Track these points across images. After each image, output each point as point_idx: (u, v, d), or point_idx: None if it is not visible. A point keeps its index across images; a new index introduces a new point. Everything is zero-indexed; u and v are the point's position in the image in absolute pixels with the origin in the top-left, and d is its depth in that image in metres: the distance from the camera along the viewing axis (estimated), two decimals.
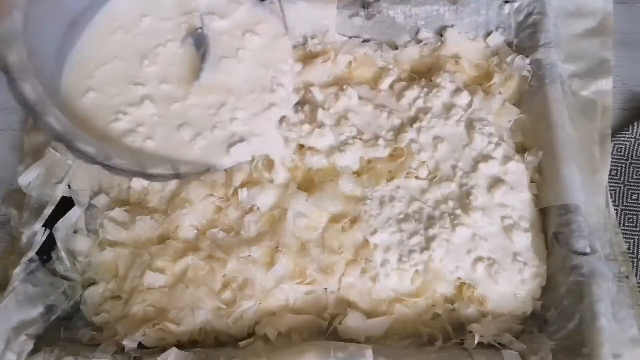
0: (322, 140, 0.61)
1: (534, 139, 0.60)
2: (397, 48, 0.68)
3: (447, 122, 0.62)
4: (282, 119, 0.61)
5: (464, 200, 0.58)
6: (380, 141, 0.61)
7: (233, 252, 0.56)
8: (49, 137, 0.57)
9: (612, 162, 0.60)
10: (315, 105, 0.63)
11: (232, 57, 0.59)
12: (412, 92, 0.63)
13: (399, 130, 0.62)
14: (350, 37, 0.68)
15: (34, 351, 0.50)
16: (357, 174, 0.61)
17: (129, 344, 0.51)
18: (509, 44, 0.66)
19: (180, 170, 0.51)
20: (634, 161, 0.61)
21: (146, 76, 0.56)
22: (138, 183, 0.60)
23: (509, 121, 0.62)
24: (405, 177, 0.59)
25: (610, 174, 0.60)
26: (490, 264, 0.54)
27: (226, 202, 0.59)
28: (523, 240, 0.56)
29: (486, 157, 0.59)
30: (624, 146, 0.61)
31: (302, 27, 0.67)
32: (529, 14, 0.65)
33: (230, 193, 0.59)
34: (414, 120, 0.62)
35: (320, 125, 0.62)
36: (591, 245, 0.52)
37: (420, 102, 0.63)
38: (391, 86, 0.65)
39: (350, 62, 0.66)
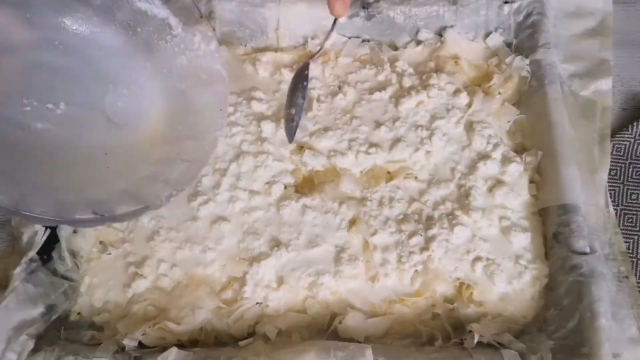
0: (323, 141, 0.61)
1: (533, 139, 0.60)
2: (397, 48, 0.68)
3: (447, 123, 0.62)
4: None
5: (463, 201, 0.58)
6: (381, 142, 0.61)
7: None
8: None
9: (611, 162, 0.60)
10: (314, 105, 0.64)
11: None
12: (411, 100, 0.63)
13: (398, 135, 0.62)
14: (350, 38, 0.68)
15: (35, 351, 0.50)
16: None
17: (129, 343, 0.51)
18: (509, 44, 0.66)
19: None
20: (633, 161, 0.61)
21: None
22: None
23: (509, 121, 0.62)
24: (404, 178, 0.59)
25: (609, 174, 0.60)
26: (489, 265, 0.55)
27: None
28: (522, 241, 0.56)
29: (485, 158, 0.60)
30: (623, 146, 0.61)
31: (302, 28, 0.67)
32: (528, 15, 0.65)
33: None
34: (413, 122, 0.62)
35: (321, 127, 0.62)
36: (591, 245, 0.53)
37: (419, 108, 0.63)
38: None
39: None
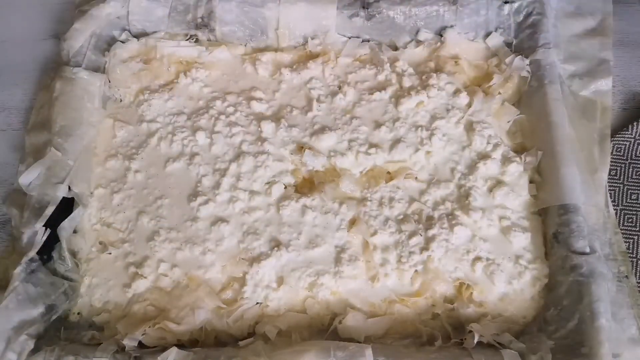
0: (323, 141, 0.61)
1: (533, 139, 0.60)
2: (397, 48, 0.68)
3: (447, 123, 0.62)
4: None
5: (463, 201, 0.58)
6: (381, 143, 0.61)
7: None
8: None
9: (611, 162, 0.60)
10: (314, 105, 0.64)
11: None
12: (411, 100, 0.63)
13: (398, 135, 0.62)
14: (350, 38, 0.68)
15: (35, 351, 0.50)
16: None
17: (129, 343, 0.51)
18: (509, 44, 0.66)
19: None
20: (633, 161, 0.61)
21: None
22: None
23: (509, 121, 0.62)
24: (404, 178, 0.59)
25: (609, 174, 0.60)
26: (489, 265, 0.55)
27: None
28: (522, 241, 0.56)
29: (485, 158, 0.60)
30: (623, 146, 0.61)
31: (303, 27, 0.67)
32: (528, 15, 0.65)
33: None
34: (413, 122, 0.62)
35: (321, 126, 0.62)
36: (591, 245, 0.53)
37: (419, 108, 0.63)
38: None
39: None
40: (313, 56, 0.67)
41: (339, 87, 0.65)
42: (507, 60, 0.64)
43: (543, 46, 0.63)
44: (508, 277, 0.54)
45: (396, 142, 0.61)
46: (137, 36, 0.68)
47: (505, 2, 0.66)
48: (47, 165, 0.57)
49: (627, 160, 0.61)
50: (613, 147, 0.61)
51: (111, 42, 0.67)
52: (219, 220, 0.58)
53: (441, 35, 0.67)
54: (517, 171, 0.59)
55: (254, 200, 0.59)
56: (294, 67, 0.67)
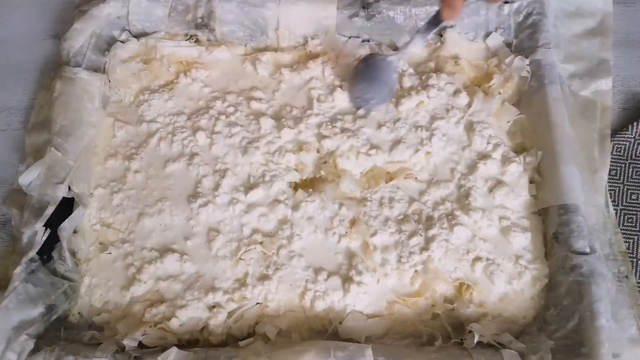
0: (324, 141, 0.61)
1: (533, 139, 0.60)
2: (397, 48, 0.68)
3: (447, 124, 0.62)
4: None
5: (463, 201, 0.58)
6: (381, 144, 0.61)
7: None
8: None
9: (611, 162, 0.60)
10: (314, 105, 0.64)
11: None
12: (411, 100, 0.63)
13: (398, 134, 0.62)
14: (350, 38, 0.68)
15: (35, 351, 0.50)
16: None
17: (129, 343, 0.51)
18: (509, 44, 0.66)
19: None
20: (633, 161, 0.61)
21: None
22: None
23: (509, 121, 0.62)
24: (404, 178, 0.59)
25: (609, 174, 0.60)
26: (489, 265, 0.54)
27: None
28: (522, 241, 0.56)
29: (485, 159, 0.60)
30: (623, 146, 0.61)
31: (303, 28, 0.67)
32: (528, 15, 0.65)
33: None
34: (413, 123, 0.62)
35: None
36: (591, 245, 0.53)
37: (419, 108, 0.63)
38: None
39: None
40: (313, 56, 0.67)
41: (340, 87, 0.65)
42: (507, 60, 0.64)
43: (543, 46, 0.63)
44: (508, 277, 0.54)
45: (396, 142, 0.61)
46: (137, 36, 0.68)
47: (505, 2, 0.66)
48: (47, 165, 0.57)
49: (627, 160, 0.61)
50: (613, 147, 0.61)
51: (111, 42, 0.67)
52: (218, 220, 0.58)
53: (441, 35, 0.67)
54: (517, 171, 0.59)
55: (254, 200, 0.59)
56: (294, 67, 0.67)
